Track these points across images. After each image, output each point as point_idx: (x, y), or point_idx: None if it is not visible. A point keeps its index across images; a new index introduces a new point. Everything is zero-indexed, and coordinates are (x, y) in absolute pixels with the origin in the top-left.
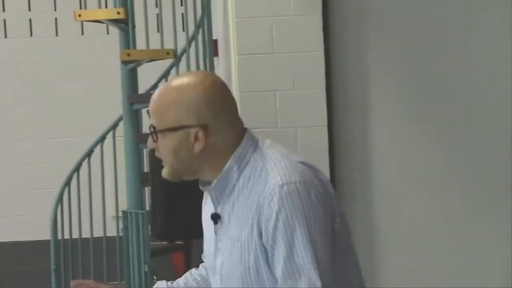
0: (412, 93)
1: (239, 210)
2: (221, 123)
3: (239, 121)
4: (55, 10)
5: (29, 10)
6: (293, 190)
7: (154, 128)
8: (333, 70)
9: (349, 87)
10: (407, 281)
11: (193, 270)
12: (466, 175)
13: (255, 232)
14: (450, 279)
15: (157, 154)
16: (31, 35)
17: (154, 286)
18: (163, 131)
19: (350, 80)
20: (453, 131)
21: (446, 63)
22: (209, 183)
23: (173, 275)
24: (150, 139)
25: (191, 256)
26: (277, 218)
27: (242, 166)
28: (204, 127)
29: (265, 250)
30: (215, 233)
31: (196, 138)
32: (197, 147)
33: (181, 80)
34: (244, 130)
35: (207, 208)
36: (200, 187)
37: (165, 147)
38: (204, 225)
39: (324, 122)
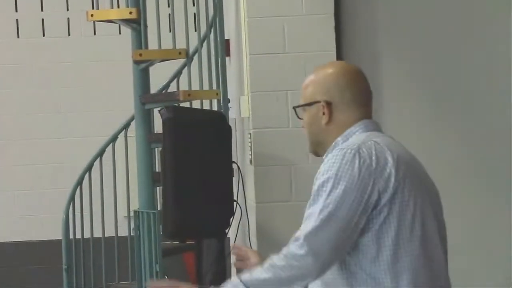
0: (424, 93)
1: None
2: (344, 101)
3: (365, 107)
4: (67, 10)
5: (42, 10)
6: (341, 154)
7: (298, 105)
8: None
9: None
10: None
11: None
12: (468, 174)
13: None
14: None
15: (304, 131)
16: (43, 35)
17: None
18: (303, 106)
19: None
20: (464, 130)
21: (458, 62)
22: None
23: (184, 275)
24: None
25: (202, 255)
26: (319, 172)
27: (345, 143)
28: (329, 103)
29: None
30: None
31: (323, 112)
32: (324, 120)
33: (321, 67)
34: (361, 118)
35: None
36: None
37: (305, 121)
38: None
39: None
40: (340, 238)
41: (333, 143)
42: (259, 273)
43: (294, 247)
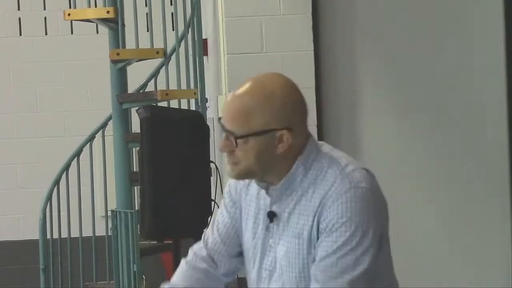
0: (402, 92)
1: (301, 209)
2: (302, 125)
3: (306, 125)
4: (44, 9)
5: (18, 9)
6: (358, 195)
7: (233, 134)
8: (322, 70)
9: (338, 86)
10: (405, 281)
11: (186, 270)
12: (462, 174)
13: (315, 229)
14: (449, 279)
15: (229, 157)
16: (20, 34)
17: None
18: (248, 136)
19: (340, 80)
20: (446, 130)
21: (436, 62)
22: (271, 183)
23: (162, 275)
24: (225, 144)
25: (180, 255)
26: (337, 219)
27: (307, 169)
28: (290, 130)
29: None
30: (268, 230)
31: (280, 140)
32: (281, 149)
33: (261, 85)
34: (309, 134)
35: (251, 207)
36: (258, 184)
37: (247, 150)
38: (241, 223)
39: (314, 121)
40: (373, 281)
41: (292, 170)
42: None
43: None
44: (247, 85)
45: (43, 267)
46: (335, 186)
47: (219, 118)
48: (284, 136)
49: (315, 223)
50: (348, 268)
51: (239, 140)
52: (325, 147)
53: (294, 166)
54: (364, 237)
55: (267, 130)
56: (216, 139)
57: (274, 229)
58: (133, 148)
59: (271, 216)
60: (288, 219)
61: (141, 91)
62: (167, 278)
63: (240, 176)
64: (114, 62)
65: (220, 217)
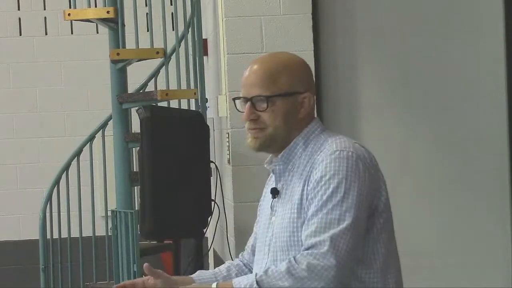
0: (402, 91)
1: (295, 179)
2: (314, 94)
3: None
4: (44, 9)
5: (18, 9)
6: (343, 156)
7: (261, 97)
8: (322, 70)
9: (338, 86)
10: (405, 281)
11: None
12: (462, 174)
13: (305, 193)
14: (449, 279)
15: (254, 124)
16: (20, 34)
17: (195, 274)
18: (277, 96)
19: (340, 80)
20: (445, 129)
21: (436, 62)
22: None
23: None
24: (250, 111)
25: (180, 255)
26: (321, 177)
27: (307, 143)
28: (310, 94)
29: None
30: (271, 208)
31: (302, 104)
32: (303, 112)
33: (276, 55)
34: (315, 116)
35: (268, 191)
36: (268, 165)
37: (275, 112)
38: (261, 210)
39: None
40: (357, 244)
41: (293, 142)
42: (276, 278)
43: (321, 256)
44: (262, 58)
45: (43, 267)
46: (324, 152)
47: (235, 98)
48: (306, 99)
49: (305, 186)
50: (332, 224)
51: (267, 103)
52: (338, 134)
53: (294, 140)
54: (347, 194)
55: (293, 92)
56: (215, 139)
57: (276, 207)
58: (133, 148)
59: (274, 192)
60: (286, 192)
61: (141, 91)
62: None
63: (265, 143)
64: (114, 62)
65: (255, 228)
